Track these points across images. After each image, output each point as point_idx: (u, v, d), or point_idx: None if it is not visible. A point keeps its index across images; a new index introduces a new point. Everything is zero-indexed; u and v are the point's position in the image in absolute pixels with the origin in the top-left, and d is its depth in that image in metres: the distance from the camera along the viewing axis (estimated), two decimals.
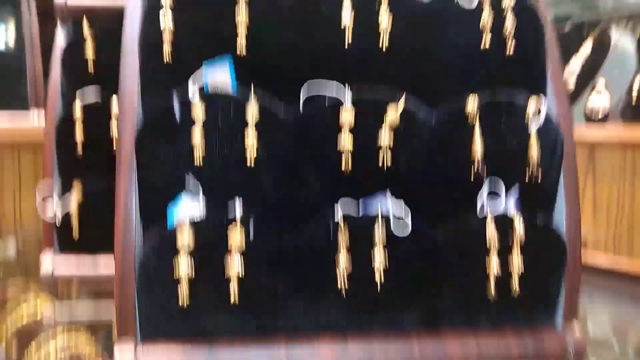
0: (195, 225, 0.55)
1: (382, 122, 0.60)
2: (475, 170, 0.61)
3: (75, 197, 0.84)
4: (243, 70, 0.61)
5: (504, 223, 0.60)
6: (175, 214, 0.56)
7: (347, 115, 0.59)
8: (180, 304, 0.55)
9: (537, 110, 0.63)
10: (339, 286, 0.57)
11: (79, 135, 0.85)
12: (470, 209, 0.62)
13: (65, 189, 0.84)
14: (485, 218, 0.60)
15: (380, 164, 0.59)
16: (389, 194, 0.59)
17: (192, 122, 0.57)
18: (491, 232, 0.59)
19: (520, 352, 0.59)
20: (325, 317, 0.58)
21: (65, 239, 0.85)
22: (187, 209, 0.56)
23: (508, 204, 0.61)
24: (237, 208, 0.57)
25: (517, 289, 0.60)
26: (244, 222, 0.56)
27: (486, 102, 0.62)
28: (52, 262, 0.85)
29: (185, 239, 0.54)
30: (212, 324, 0.56)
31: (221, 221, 0.56)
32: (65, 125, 0.85)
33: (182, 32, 0.60)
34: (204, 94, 0.58)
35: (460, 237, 0.60)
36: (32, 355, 0.83)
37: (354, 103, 0.59)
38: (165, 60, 0.60)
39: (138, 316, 0.56)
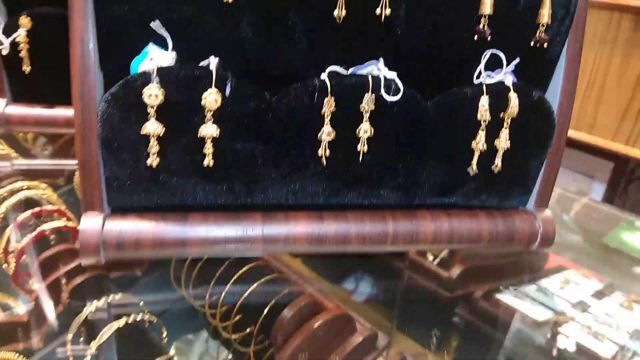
0: (165, 74, 0.48)
1: None
2: (481, 28, 0.54)
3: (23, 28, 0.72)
4: None
5: (498, 93, 0.56)
6: (140, 69, 0.48)
7: None
8: (149, 163, 0.50)
9: None
10: (320, 153, 0.54)
11: None
12: (465, 76, 0.57)
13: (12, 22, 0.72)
14: (479, 87, 0.56)
15: (378, 13, 0.51)
16: (382, 61, 0.53)
17: None
18: (484, 103, 0.55)
19: (491, 230, 0.60)
20: (302, 188, 0.55)
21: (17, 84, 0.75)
22: (155, 60, 0.48)
23: (506, 72, 0.57)
24: (213, 60, 0.49)
25: (500, 165, 0.58)
26: (220, 78, 0.49)
27: None
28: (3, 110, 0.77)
29: (153, 89, 0.48)
30: (184, 192, 0.52)
31: (194, 73, 0.49)
32: None
33: None
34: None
35: (451, 105, 0.56)
36: None
37: None
38: None
39: (105, 183, 0.51)
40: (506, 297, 0.83)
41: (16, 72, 0.75)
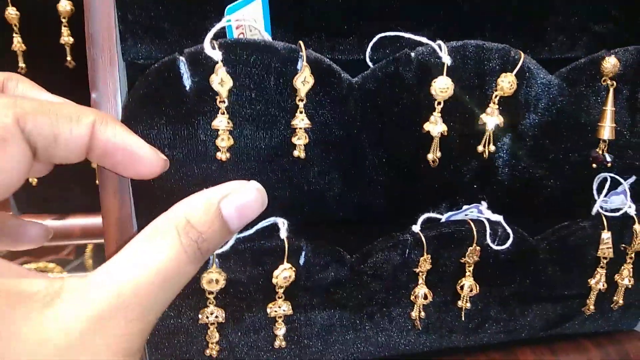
0: (225, 255, 0.38)
1: (492, 91, 0.40)
2: (600, 155, 0.44)
3: None
4: (276, 4, 0.39)
5: (620, 226, 0.46)
6: None
7: (442, 82, 0.39)
8: (208, 354, 0.40)
9: None
10: (414, 316, 0.44)
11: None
12: (575, 203, 0.47)
13: None
14: (598, 219, 0.46)
15: (481, 151, 0.42)
16: (485, 205, 0.43)
17: (210, 91, 0.36)
18: (606, 239, 0.46)
19: None
20: (384, 345, 0.45)
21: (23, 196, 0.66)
22: None
23: (624, 199, 0.47)
24: (281, 226, 0.40)
25: (620, 302, 0.48)
26: (293, 250, 0.39)
27: (633, 55, 0.43)
28: None
29: (212, 274, 0.38)
30: None
31: (262, 248, 0.39)
32: None
33: None
34: (227, 43, 0.36)
35: (566, 242, 0.46)
36: None
37: (454, 57, 0.39)
38: None
39: None
40: None
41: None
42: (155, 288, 0.24)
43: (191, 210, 0.27)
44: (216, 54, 0.35)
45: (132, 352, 0.23)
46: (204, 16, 0.39)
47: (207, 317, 0.39)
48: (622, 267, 0.47)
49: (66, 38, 0.62)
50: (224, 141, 0.37)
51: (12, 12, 0.60)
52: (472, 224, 0.42)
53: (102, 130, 0.28)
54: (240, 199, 0.28)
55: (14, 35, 0.62)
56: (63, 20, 0.62)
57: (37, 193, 0.68)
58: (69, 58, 0.64)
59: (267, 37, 0.38)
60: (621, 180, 0.46)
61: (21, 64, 0.62)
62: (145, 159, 0.30)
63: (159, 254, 0.25)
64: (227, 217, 0.27)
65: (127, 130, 0.29)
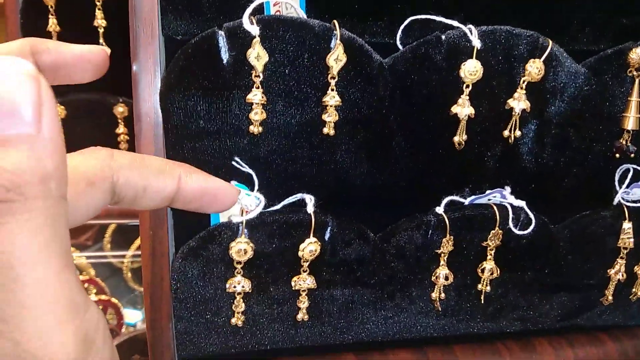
0: (254, 225, 0.39)
1: (519, 77, 0.41)
2: (623, 144, 0.45)
3: None
4: None
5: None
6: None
7: (471, 65, 0.40)
8: (234, 323, 0.41)
9: None
10: (434, 297, 0.45)
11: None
12: (597, 193, 0.48)
13: None
14: (619, 209, 0.46)
15: (507, 135, 0.42)
16: (508, 189, 0.44)
17: (246, 65, 0.37)
18: (627, 229, 0.46)
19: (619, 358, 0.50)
20: (404, 327, 0.46)
21: None
22: (237, 203, 0.40)
23: None
24: (309, 202, 0.41)
25: (639, 293, 0.49)
26: (319, 224, 0.40)
27: None
28: None
29: (241, 244, 0.39)
30: (268, 340, 0.44)
31: (289, 221, 0.40)
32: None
33: None
34: (264, 18, 0.37)
35: (587, 231, 0.46)
36: None
37: (484, 41, 0.40)
38: None
39: (175, 337, 0.42)
40: None
41: None
42: None
43: None
44: (254, 29, 0.36)
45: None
46: None
47: (235, 287, 0.40)
48: None
49: (100, 21, 0.64)
50: (257, 115, 0.38)
51: None
52: (495, 207, 0.43)
53: (188, 182, 0.29)
54: None
55: (50, 16, 0.63)
56: (97, 3, 0.63)
57: None
58: (101, 41, 0.65)
59: (303, 15, 0.39)
60: None
61: None
62: (226, 197, 0.31)
63: None
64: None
65: (208, 175, 0.30)
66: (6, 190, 0.18)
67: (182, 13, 0.40)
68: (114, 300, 1.06)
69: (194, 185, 0.29)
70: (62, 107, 0.65)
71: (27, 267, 0.18)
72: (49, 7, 0.63)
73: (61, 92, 0.65)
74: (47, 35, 0.65)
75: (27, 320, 0.18)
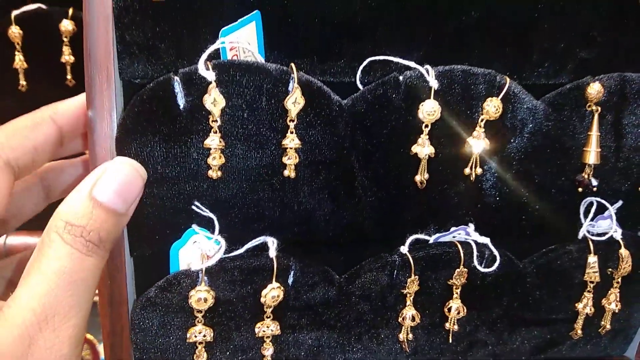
0: (214, 272, 0.38)
1: (478, 115, 0.41)
2: (586, 179, 0.45)
3: None
4: (270, 27, 0.40)
5: (606, 249, 0.47)
6: (181, 256, 0.39)
7: (429, 105, 0.40)
8: None
9: None
10: (401, 337, 0.44)
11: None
12: (563, 226, 0.48)
13: None
14: (585, 243, 0.46)
15: (467, 174, 0.42)
16: (472, 227, 0.44)
17: (203, 110, 0.37)
18: (592, 264, 0.46)
19: None
20: None
21: None
22: (197, 247, 0.39)
23: (612, 223, 0.48)
24: (271, 245, 0.40)
25: (608, 327, 0.49)
26: (282, 268, 0.40)
27: (616, 81, 0.44)
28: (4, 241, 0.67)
29: (201, 292, 0.38)
30: None
31: (250, 267, 0.39)
32: None
33: None
34: (220, 64, 0.37)
35: (553, 266, 0.46)
36: None
37: (441, 81, 0.40)
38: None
39: None
40: None
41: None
42: (64, 291, 0.27)
43: (67, 209, 0.29)
44: (210, 75, 0.36)
45: (70, 357, 0.25)
46: (199, 38, 0.40)
47: (196, 336, 0.39)
48: (609, 292, 0.47)
49: (67, 57, 0.64)
50: (215, 159, 0.38)
51: (15, 31, 0.61)
52: (459, 245, 0.43)
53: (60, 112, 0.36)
54: (115, 182, 0.31)
55: (16, 53, 0.63)
56: (65, 39, 0.63)
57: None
58: (69, 76, 0.65)
59: (260, 59, 0.39)
60: (607, 205, 0.47)
61: (22, 82, 0.63)
62: None
63: (51, 261, 0.27)
64: (108, 202, 0.30)
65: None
66: (99, 240, 0.30)
67: (139, 57, 0.39)
68: (89, 336, 1.03)
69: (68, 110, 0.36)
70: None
71: (89, 283, 0.29)
72: (16, 44, 0.63)
73: None
74: (14, 71, 0.64)
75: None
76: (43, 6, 0.62)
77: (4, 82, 0.63)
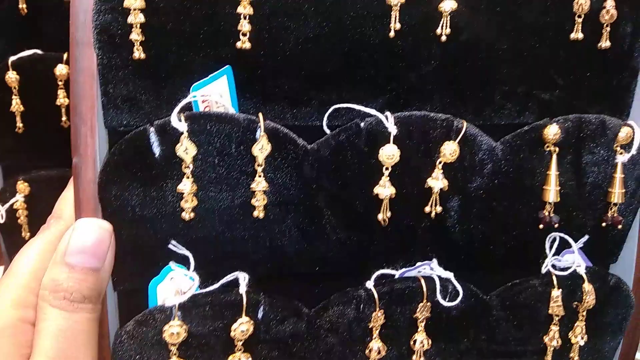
0: (187, 307, 0.41)
1: (436, 158, 0.44)
2: (547, 216, 0.47)
3: (20, 194, 0.66)
4: (243, 78, 0.44)
5: (570, 283, 0.48)
6: (159, 291, 0.42)
7: (388, 149, 0.43)
8: None
9: (629, 135, 0.48)
10: None
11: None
12: (527, 260, 0.50)
13: (9, 187, 0.67)
14: (549, 278, 0.48)
15: (429, 211, 0.45)
16: (435, 262, 0.46)
17: (176, 157, 0.40)
18: (556, 298, 0.48)
19: None
20: None
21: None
22: (174, 283, 0.42)
23: (575, 258, 0.49)
24: (242, 280, 0.43)
25: (577, 358, 0.50)
26: (251, 304, 0.42)
27: (573, 123, 0.46)
28: None
29: (174, 327, 0.41)
30: None
31: (221, 302, 0.42)
32: None
33: (158, 19, 0.41)
34: (192, 115, 0.41)
35: (518, 300, 0.48)
36: None
37: (400, 127, 0.43)
38: (134, 57, 0.41)
39: None
40: None
41: (15, 240, 0.68)
42: (68, 345, 0.31)
43: (48, 279, 0.35)
44: (181, 126, 0.40)
45: None
46: (177, 90, 0.43)
47: None
48: (575, 325, 0.49)
49: (62, 100, 0.66)
50: (187, 202, 0.41)
51: (11, 76, 0.64)
52: (422, 280, 0.45)
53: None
54: (82, 244, 0.37)
55: (13, 97, 0.66)
56: (60, 83, 0.66)
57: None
58: (64, 118, 0.68)
59: (232, 110, 0.43)
60: (571, 241, 0.48)
61: (19, 124, 0.66)
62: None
63: (48, 324, 0.32)
64: (82, 263, 0.35)
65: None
66: (83, 298, 0.36)
67: (122, 108, 0.43)
68: None
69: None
70: (27, 184, 0.67)
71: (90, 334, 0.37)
72: (13, 88, 0.66)
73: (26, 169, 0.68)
74: (11, 115, 0.67)
75: None
76: (39, 51, 0.65)
77: (2, 125, 0.66)
